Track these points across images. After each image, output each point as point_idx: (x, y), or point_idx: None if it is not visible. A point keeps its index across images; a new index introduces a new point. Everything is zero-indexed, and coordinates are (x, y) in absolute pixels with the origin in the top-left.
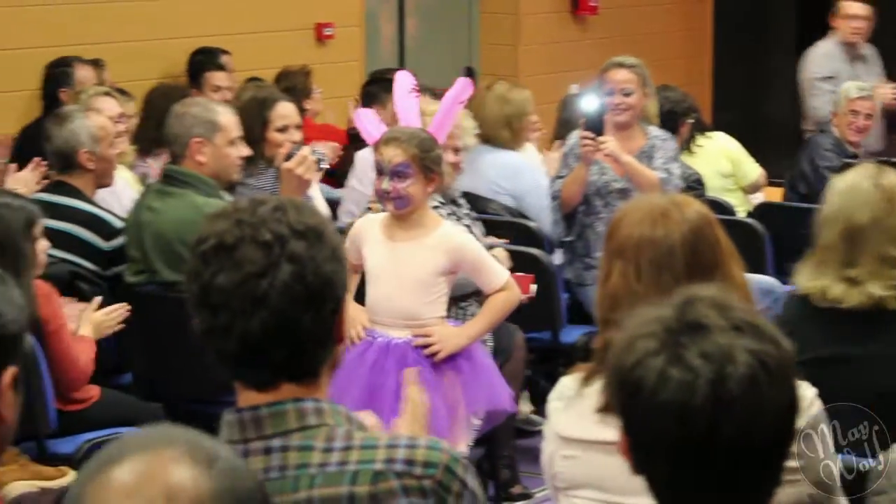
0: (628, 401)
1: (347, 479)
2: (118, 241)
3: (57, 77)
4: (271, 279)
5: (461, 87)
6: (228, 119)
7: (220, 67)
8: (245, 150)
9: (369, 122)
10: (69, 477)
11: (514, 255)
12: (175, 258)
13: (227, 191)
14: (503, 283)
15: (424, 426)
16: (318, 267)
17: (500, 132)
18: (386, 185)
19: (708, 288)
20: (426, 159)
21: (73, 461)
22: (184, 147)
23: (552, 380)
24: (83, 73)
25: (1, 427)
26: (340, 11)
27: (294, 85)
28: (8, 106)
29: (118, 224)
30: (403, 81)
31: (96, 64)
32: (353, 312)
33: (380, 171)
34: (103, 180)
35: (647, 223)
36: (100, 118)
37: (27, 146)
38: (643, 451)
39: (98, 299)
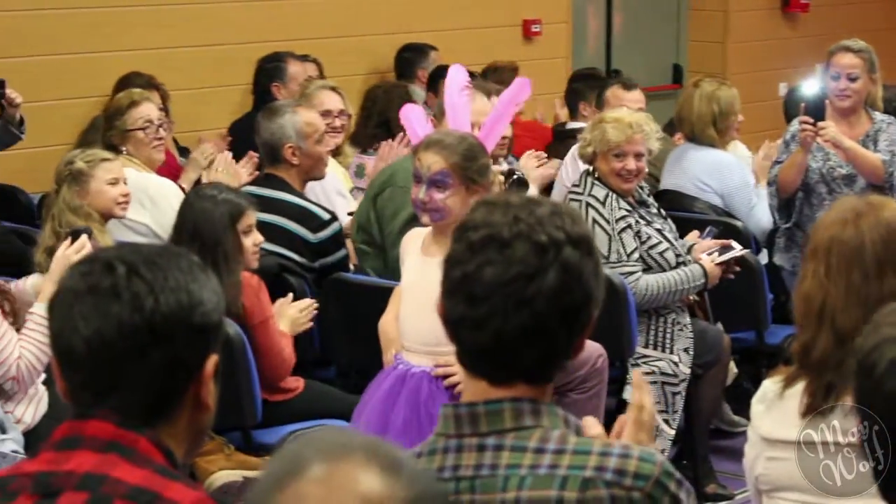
0: (861, 382)
1: (557, 484)
2: (326, 234)
3: (270, 72)
4: (540, 283)
5: (518, 88)
6: None
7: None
8: None
9: (417, 121)
10: None
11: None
12: None
13: None
14: None
15: (650, 434)
16: (585, 279)
17: (706, 130)
18: (422, 194)
19: None
20: (469, 169)
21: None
22: None
23: (756, 381)
24: (295, 69)
25: (204, 414)
26: (548, 8)
27: (501, 80)
28: (222, 100)
29: (326, 216)
30: (455, 77)
31: (306, 59)
32: (392, 334)
33: (417, 179)
34: (312, 174)
35: (838, 225)
36: (309, 114)
37: (238, 139)
38: (872, 437)
39: (290, 296)
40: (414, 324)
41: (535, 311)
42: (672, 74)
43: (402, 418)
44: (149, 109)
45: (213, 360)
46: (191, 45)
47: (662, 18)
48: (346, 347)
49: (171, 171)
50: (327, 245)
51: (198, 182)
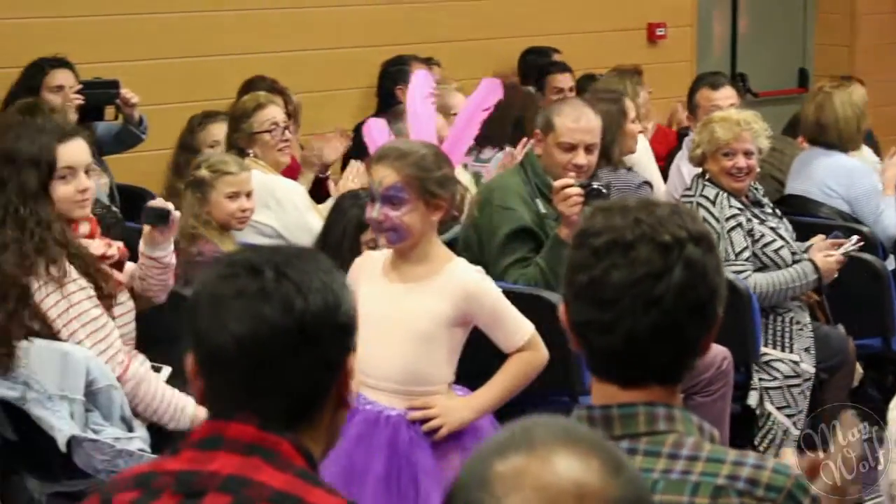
0: None
1: (688, 490)
2: (447, 237)
3: (394, 75)
4: (667, 282)
5: (486, 91)
6: (560, 122)
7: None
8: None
9: (378, 133)
10: None
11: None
12: None
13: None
14: (526, 341)
15: None
16: (709, 275)
17: (854, 135)
18: (376, 212)
19: None
20: (427, 181)
21: None
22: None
23: (881, 389)
24: None
25: (344, 413)
26: (673, 11)
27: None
28: (345, 103)
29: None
30: (420, 82)
31: (430, 62)
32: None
33: (371, 197)
34: None
35: None
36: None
37: (362, 142)
38: None
39: None
40: (382, 359)
41: (664, 310)
42: (798, 78)
43: (383, 468)
44: (275, 112)
45: (353, 359)
46: (314, 49)
47: (788, 22)
48: (466, 350)
49: (294, 173)
50: (448, 248)
51: (316, 183)
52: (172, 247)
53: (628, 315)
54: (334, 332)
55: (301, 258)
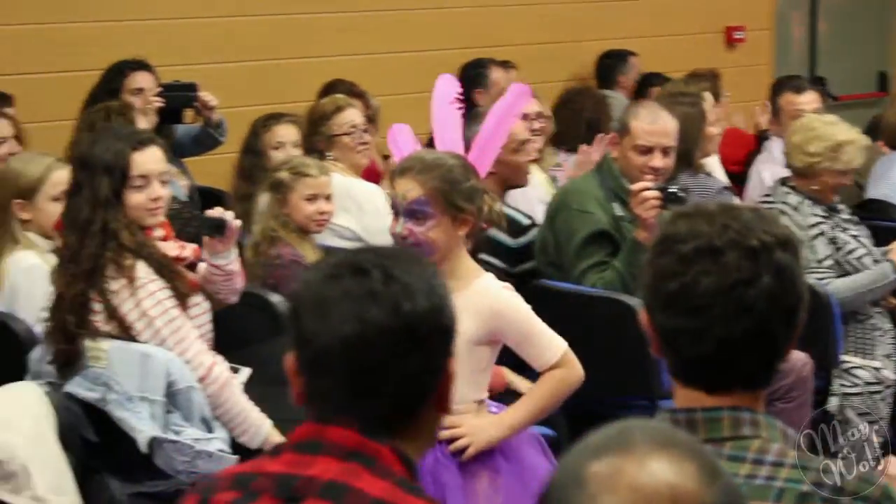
0: None
1: (773, 496)
2: (525, 240)
3: (472, 78)
4: (759, 288)
5: (514, 98)
6: (636, 125)
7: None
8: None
9: (403, 141)
10: None
11: None
12: None
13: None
14: (559, 359)
15: None
16: (797, 280)
17: None
18: (400, 227)
19: None
20: (453, 194)
21: None
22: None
23: None
24: (497, 75)
25: (442, 416)
26: (751, 14)
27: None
28: (423, 106)
29: (525, 222)
30: (444, 88)
31: (507, 66)
32: None
33: (395, 210)
34: (511, 182)
35: None
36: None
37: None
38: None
39: None
40: None
41: (756, 317)
42: (878, 82)
43: None
44: (353, 115)
45: (453, 363)
46: (392, 52)
47: (869, 25)
48: None
49: (373, 176)
50: (527, 251)
51: None
52: (235, 254)
53: (720, 322)
54: (439, 334)
55: (404, 260)
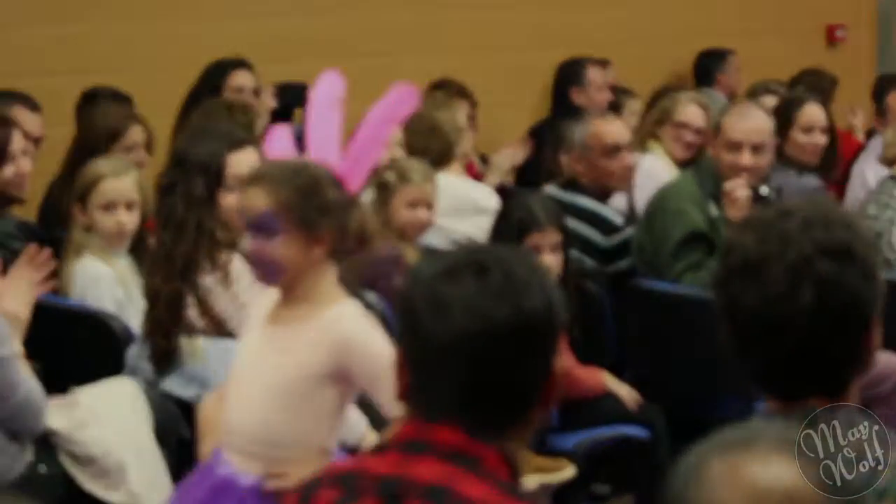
0: None
1: (873, 497)
2: (618, 238)
3: (569, 77)
4: (796, 302)
5: (396, 101)
6: (727, 121)
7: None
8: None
9: (279, 143)
10: (568, 471)
11: None
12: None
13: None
14: None
15: None
16: (844, 288)
17: None
18: (245, 243)
19: None
20: (306, 208)
21: (573, 456)
22: None
23: None
24: (594, 74)
25: (544, 414)
26: (852, 13)
27: (817, 88)
28: (518, 105)
29: (618, 221)
30: (325, 87)
31: (604, 64)
32: (215, 420)
33: (244, 224)
34: (605, 185)
35: None
36: (604, 126)
37: (537, 145)
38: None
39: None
40: (240, 415)
41: (797, 331)
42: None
43: None
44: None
45: (559, 361)
46: (489, 50)
47: None
48: (642, 355)
49: (470, 176)
50: (620, 250)
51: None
52: None
53: (761, 340)
54: (553, 332)
55: (518, 258)
